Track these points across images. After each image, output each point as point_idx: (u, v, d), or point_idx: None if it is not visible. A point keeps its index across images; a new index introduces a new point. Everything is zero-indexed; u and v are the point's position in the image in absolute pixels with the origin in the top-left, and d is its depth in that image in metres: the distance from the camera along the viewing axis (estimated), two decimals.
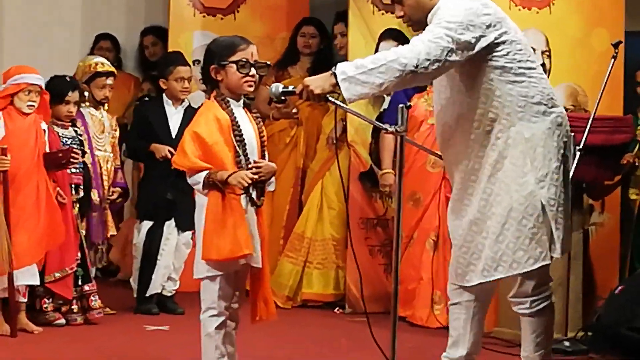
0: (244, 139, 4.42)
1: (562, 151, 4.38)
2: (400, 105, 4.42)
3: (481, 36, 4.26)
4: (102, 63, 6.71)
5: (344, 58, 6.75)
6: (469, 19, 4.25)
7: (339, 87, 4.21)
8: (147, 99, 7.60)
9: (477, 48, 4.26)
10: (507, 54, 4.31)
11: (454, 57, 4.23)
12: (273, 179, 4.52)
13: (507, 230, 4.30)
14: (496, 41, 4.29)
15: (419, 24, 4.46)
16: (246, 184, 4.32)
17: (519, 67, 4.32)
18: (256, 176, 4.36)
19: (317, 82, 4.26)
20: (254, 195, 4.43)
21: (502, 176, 4.33)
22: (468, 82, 4.36)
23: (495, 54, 4.30)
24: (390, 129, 4.36)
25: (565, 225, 4.38)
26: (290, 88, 4.43)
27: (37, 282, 5.99)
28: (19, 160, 5.85)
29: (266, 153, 4.58)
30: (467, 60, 4.29)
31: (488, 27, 4.28)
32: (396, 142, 4.27)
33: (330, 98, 4.38)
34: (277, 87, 4.40)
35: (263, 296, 4.54)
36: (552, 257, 4.34)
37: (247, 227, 4.37)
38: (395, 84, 4.24)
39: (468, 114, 4.38)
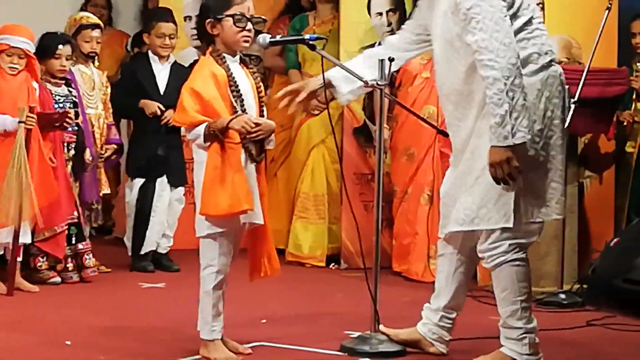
0: (241, 94, 4.36)
1: (548, 113, 4.26)
2: (381, 58, 4.37)
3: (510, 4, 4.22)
4: (87, 16, 6.69)
5: None
6: None
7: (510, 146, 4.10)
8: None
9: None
10: (524, 22, 4.24)
11: None
12: (272, 136, 4.45)
13: (478, 185, 4.26)
14: (518, 12, 4.23)
15: None
16: (250, 129, 4.25)
17: (526, 32, 4.24)
18: (257, 128, 4.28)
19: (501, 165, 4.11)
20: (253, 151, 4.37)
21: (485, 134, 4.25)
22: (465, 43, 4.27)
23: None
24: (369, 82, 4.30)
25: (532, 195, 4.25)
26: (278, 37, 4.38)
27: (29, 240, 5.96)
28: None
29: (265, 109, 4.51)
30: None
31: None
32: (379, 96, 4.24)
33: (317, 48, 4.34)
34: (265, 37, 4.36)
35: (267, 252, 4.50)
36: (514, 222, 4.20)
37: (247, 182, 4.30)
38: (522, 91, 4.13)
39: (463, 71, 4.29)
